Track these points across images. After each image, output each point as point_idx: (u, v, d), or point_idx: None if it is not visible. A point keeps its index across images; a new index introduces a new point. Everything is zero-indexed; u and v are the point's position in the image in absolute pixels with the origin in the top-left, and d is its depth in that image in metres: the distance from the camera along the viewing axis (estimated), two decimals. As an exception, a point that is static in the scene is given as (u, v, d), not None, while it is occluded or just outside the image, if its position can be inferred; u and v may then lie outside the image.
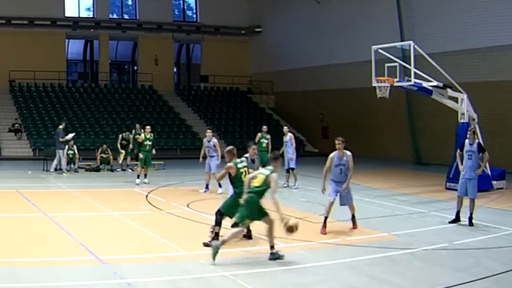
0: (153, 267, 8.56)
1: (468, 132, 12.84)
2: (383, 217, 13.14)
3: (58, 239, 10.23)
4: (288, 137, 18.44)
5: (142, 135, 18.63)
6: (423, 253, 9.66)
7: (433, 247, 10.05)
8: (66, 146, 21.97)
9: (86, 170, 22.40)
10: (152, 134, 18.71)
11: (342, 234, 11.20)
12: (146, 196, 15.52)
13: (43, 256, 8.96)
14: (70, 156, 22.13)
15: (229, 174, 10.24)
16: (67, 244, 9.84)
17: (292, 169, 17.99)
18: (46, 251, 9.32)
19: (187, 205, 13.99)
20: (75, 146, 22.43)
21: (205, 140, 17.32)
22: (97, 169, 22.51)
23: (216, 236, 9.64)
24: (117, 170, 22.47)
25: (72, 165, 22.19)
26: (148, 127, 19.02)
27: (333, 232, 11.44)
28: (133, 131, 22.25)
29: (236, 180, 10.19)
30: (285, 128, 19.04)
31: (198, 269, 8.44)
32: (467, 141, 12.58)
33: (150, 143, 18.35)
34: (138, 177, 18.20)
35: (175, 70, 41.28)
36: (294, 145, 18.26)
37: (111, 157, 22.95)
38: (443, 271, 8.59)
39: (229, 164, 10.19)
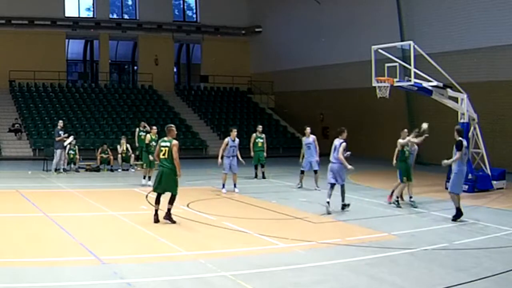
0: (153, 267, 8.56)
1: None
2: (383, 217, 13.14)
3: (58, 239, 10.22)
4: (312, 139, 17.98)
5: (148, 136, 18.22)
6: (423, 253, 9.65)
7: (433, 247, 10.05)
8: (68, 146, 21.95)
9: (86, 170, 22.40)
10: (157, 136, 18.16)
11: (342, 234, 11.20)
12: (146, 196, 15.51)
13: (43, 256, 8.96)
14: (71, 156, 22.15)
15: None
16: (67, 244, 9.83)
17: (316, 171, 17.67)
18: (46, 251, 9.31)
19: (187, 205, 13.99)
20: (76, 147, 22.46)
21: (229, 139, 16.91)
22: (97, 169, 22.50)
23: None
24: (118, 170, 22.46)
25: (72, 165, 22.20)
26: (154, 127, 18.65)
27: (333, 232, 11.45)
28: (137, 129, 22.15)
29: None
30: (308, 130, 18.19)
31: (198, 269, 8.44)
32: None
33: (155, 144, 17.90)
34: (144, 178, 17.95)
35: (175, 70, 41.28)
36: (317, 146, 17.91)
37: (111, 157, 22.96)
38: (443, 271, 8.59)
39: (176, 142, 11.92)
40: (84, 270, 8.28)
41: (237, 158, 16.98)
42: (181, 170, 12.03)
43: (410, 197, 14.65)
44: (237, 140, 17.06)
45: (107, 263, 8.57)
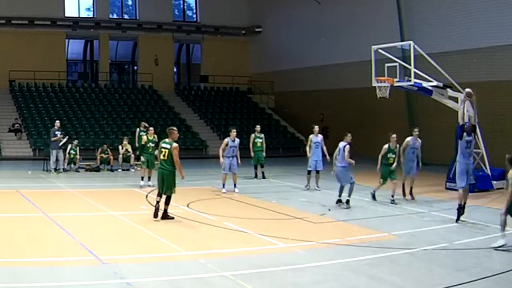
0: (153, 267, 8.57)
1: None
2: (383, 217, 13.15)
3: (58, 239, 10.22)
4: (320, 138, 17.80)
5: (145, 137, 18.04)
6: (423, 253, 9.66)
7: (433, 247, 10.05)
8: (70, 146, 22.03)
9: (86, 170, 22.40)
10: (155, 136, 17.94)
11: (342, 234, 11.20)
12: (146, 196, 15.52)
13: (43, 256, 8.96)
14: (72, 156, 22.16)
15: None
16: (67, 244, 9.84)
17: (318, 171, 17.49)
18: (46, 251, 9.32)
19: (187, 205, 13.99)
20: (78, 147, 22.49)
21: (228, 139, 16.76)
22: (97, 169, 22.50)
23: None
24: (118, 170, 22.44)
25: (72, 165, 22.21)
26: (151, 128, 18.42)
27: (333, 232, 11.45)
28: (138, 129, 22.11)
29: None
30: (316, 128, 17.98)
31: (198, 269, 8.44)
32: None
33: (153, 145, 17.50)
34: (142, 179, 17.71)
35: (175, 70, 41.27)
36: (325, 146, 17.69)
37: (111, 157, 22.93)
38: (443, 271, 8.59)
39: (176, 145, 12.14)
40: (84, 270, 8.28)
41: (237, 158, 16.91)
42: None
43: (392, 196, 15.24)
44: (237, 140, 16.97)
45: (107, 263, 8.57)
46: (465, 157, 12.87)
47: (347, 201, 14.22)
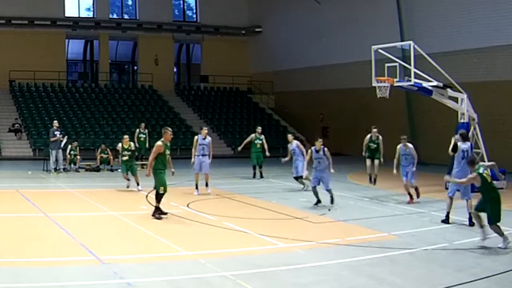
0: (153, 267, 8.57)
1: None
2: (383, 217, 13.14)
3: (58, 239, 10.23)
4: (295, 144, 17.67)
5: (120, 144, 17.75)
6: (423, 253, 9.66)
7: (433, 247, 10.05)
8: (70, 146, 22.08)
9: (86, 170, 22.41)
10: (131, 144, 17.67)
11: (342, 234, 11.20)
12: (146, 196, 15.51)
13: (43, 256, 8.96)
14: (72, 156, 22.18)
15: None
16: (67, 244, 9.84)
17: (301, 177, 17.08)
18: (46, 251, 9.32)
19: (187, 205, 14.00)
20: (77, 148, 22.49)
21: (199, 137, 16.58)
22: (97, 169, 22.51)
23: None
24: (118, 170, 22.41)
25: (72, 165, 22.23)
26: (126, 136, 17.89)
27: (333, 232, 11.46)
28: (137, 130, 22.12)
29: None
30: (290, 136, 17.99)
31: (198, 269, 8.44)
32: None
33: (129, 153, 17.24)
34: (138, 184, 17.04)
35: (175, 70, 41.28)
36: (304, 151, 17.23)
37: (111, 157, 22.93)
38: (443, 271, 8.59)
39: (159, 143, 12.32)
40: (84, 270, 8.28)
41: (209, 158, 16.50)
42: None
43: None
44: (208, 138, 16.72)
45: (107, 263, 8.57)
46: (460, 165, 12.43)
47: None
